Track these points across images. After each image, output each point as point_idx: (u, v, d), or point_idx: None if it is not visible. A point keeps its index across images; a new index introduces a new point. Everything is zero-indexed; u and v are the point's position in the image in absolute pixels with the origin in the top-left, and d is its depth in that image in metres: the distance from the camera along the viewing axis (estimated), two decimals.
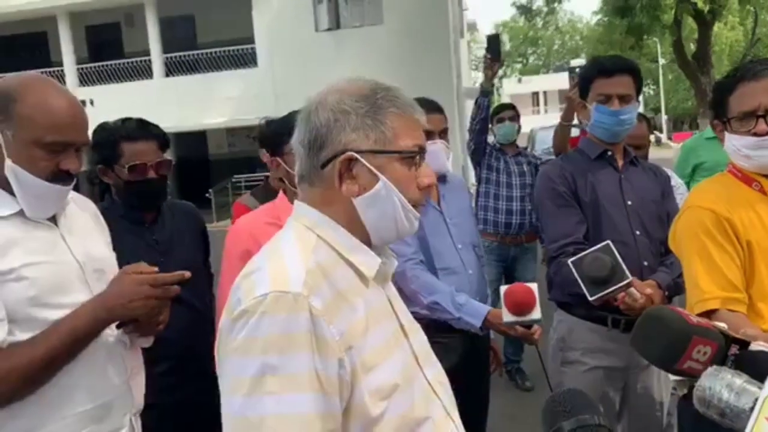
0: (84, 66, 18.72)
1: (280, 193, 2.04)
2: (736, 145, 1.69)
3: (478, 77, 30.37)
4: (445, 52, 15.81)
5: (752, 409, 0.83)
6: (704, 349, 0.93)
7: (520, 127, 4.48)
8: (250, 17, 17.06)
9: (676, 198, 2.37)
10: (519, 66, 56.58)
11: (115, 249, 1.70)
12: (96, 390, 1.46)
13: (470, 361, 2.22)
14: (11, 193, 1.40)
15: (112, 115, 2.16)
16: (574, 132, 3.88)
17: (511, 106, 4.63)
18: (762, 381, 0.85)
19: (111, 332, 1.50)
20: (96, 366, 1.46)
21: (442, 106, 2.36)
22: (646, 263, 2.12)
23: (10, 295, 1.33)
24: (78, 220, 1.56)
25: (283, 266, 1.01)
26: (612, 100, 2.13)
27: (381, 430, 1.01)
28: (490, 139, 4.46)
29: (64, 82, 17.70)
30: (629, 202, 2.18)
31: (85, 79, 18.57)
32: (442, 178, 2.32)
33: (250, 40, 17.28)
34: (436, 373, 1.17)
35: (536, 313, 1.97)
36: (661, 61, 35.18)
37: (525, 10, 31.55)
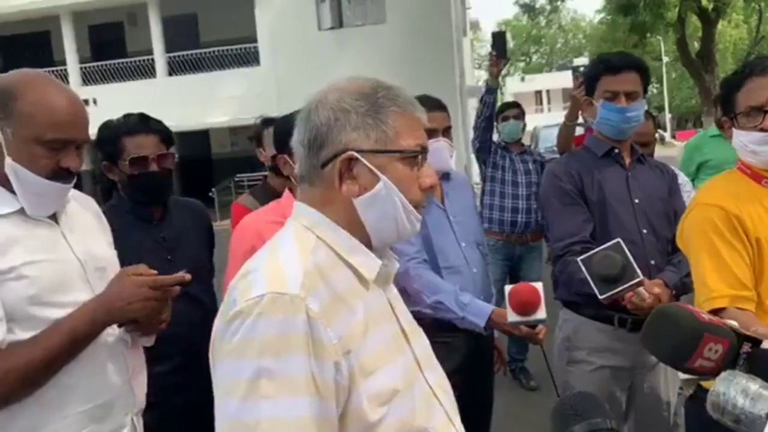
0: (87, 65, 18.76)
1: (286, 192, 2.03)
2: (744, 141, 1.68)
3: (481, 76, 30.39)
4: (447, 50, 15.81)
5: None
6: (716, 347, 0.91)
7: (525, 125, 4.47)
8: (252, 16, 17.07)
9: (683, 196, 2.35)
10: (522, 64, 56.52)
11: (122, 246, 1.70)
12: (97, 389, 1.45)
13: (474, 360, 2.21)
14: (11, 191, 1.39)
15: (115, 115, 2.17)
16: (578, 131, 3.86)
17: (516, 105, 4.62)
18: None
19: (112, 331, 1.49)
20: (97, 365, 1.45)
21: (443, 103, 2.34)
22: (653, 262, 2.10)
23: (10, 294, 1.32)
24: (79, 218, 1.55)
25: (280, 267, 1.00)
26: (619, 97, 2.11)
27: None
28: (495, 137, 4.44)
29: (68, 82, 17.65)
30: (636, 201, 2.16)
31: (88, 79, 18.61)
32: (445, 176, 2.30)
33: (253, 39, 17.29)
34: (437, 377, 1.14)
35: (541, 313, 1.95)
36: (665, 59, 35.09)
37: (528, 9, 31.48)
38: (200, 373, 1.97)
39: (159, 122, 2.13)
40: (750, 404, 0.83)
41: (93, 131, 1.58)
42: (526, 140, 4.68)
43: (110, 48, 18.88)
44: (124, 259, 1.84)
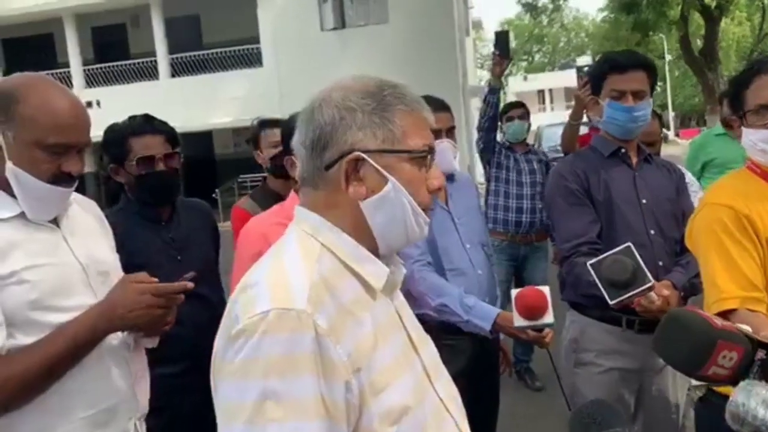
0: (90, 67, 18.81)
1: (291, 194, 2.02)
2: (753, 140, 1.66)
3: (484, 75, 30.34)
4: (450, 50, 15.79)
5: None
6: (730, 354, 0.89)
7: (530, 125, 4.45)
8: (255, 17, 17.08)
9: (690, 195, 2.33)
10: (524, 64, 56.45)
11: (132, 248, 1.69)
12: (100, 394, 1.44)
13: (480, 362, 2.19)
14: (12, 195, 1.37)
15: (118, 116, 2.17)
16: (583, 130, 3.84)
17: (520, 105, 4.60)
18: None
19: (115, 335, 1.48)
20: (101, 370, 1.44)
21: (447, 103, 2.33)
22: (661, 263, 2.08)
23: (10, 298, 1.31)
24: (81, 221, 1.53)
25: (285, 279, 0.94)
26: (626, 96, 2.08)
27: None
28: (499, 137, 4.42)
29: (71, 84, 17.78)
30: (644, 201, 2.13)
31: (91, 81, 18.66)
32: (449, 177, 2.29)
33: (256, 40, 17.31)
34: (447, 386, 1.10)
35: (549, 318, 1.92)
36: (668, 57, 35.00)
37: (530, 8, 31.41)
38: (207, 375, 1.98)
39: (164, 123, 2.14)
40: None
41: (96, 133, 1.56)
42: (529, 139, 4.66)
43: (113, 50, 18.92)
44: (134, 261, 1.84)
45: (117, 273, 1.58)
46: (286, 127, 2.10)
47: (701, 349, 0.90)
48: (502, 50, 3.85)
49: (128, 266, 1.70)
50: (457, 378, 1.18)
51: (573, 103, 3.79)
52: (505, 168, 4.23)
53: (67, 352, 1.35)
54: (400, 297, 1.14)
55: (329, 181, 1.00)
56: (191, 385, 1.95)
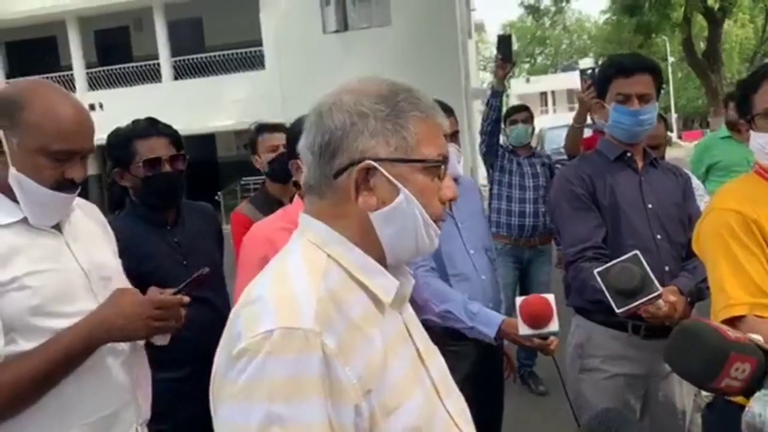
0: (93, 70, 18.86)
1: (296, 198, 2.01)
2: (762, 144, 1.65)
3: (486, 78, 30.34)
4: (453, 52, 15.80)
5: None
6: (743, 366, 0.87)
7: (533, 129, 4.43)
8: (257, 20, 17.11)
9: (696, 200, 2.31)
10: (527, 66, 56.42)
11: (138, 252, 1.67)
12: (102, 400, 1.43)
13: (484, 368, 2.17)
14: (14, 200, 1.37)
15: (121, 119, 2.17)
16: (587, 132, 3.83)
17: (524, 108, 4.57)
18: None
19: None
20: (102, 376, 1.43)
21: (450, 107, 2.31)
22: (667, 268, 2.06)
23: (12, 304, 1.30)
24: (83, 227, 1.53)
25: (291, 294, 0.88)
26: (631, 100, 2.06)
27: None
28: (503, 140, 4.40)
29: (74, 87, 17.83)
30: (650, 205, 2.11)
31: (94, 84, 18.70)
32: (453, 182, 2.26)
33: (258, 42, 17.33)
34: (456, 401, 1.05)
35: (554, 326, 1.90)
36: (671, 59, 34.98)
37: (532, 10, 31.40)
38: (210, 381, 1.97)
39: (168, 126, 2.14)
40: None
41: (100, 136, 1.56)
42: (532, 142, 4.64)
43: (116, 53, 18.97)
44: (142, 268, 1.83)
45: (119, 278, 1.57)
46: (292, 131, 2.09)
47: (714, 361, 0.89)
48: (505, 54, 3.84)
49: (136, 272, 1.70)
50: (461, 383, 1.16)
51: (576, 105, 3.78)
52: (507, 172, 4.21)
53: (59, 363, 1.33)
54: (409, 309, 1.09)
55: (337, 190, 0.95)
56: (194, 391, 1.93)
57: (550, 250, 4.38)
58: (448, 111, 2.26)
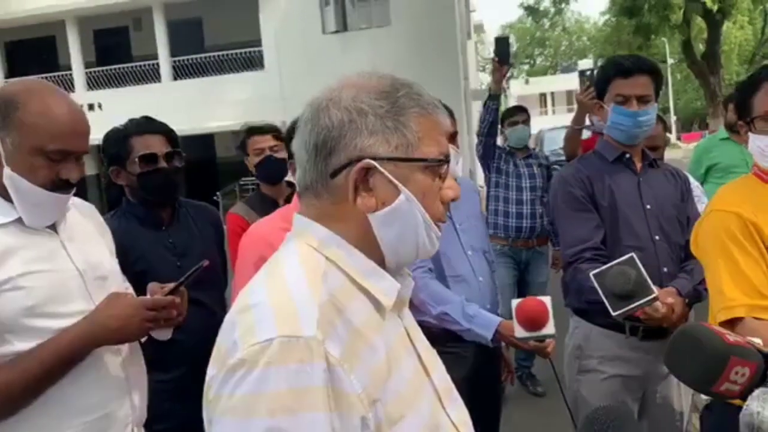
0: (92, 70, 18.83)
1: (294, 198, 2.00)
2: (761, 146, 1.65)
3: (486, 79, 30.33)
4: (452, 53, 15.79)
5: None
6: (742, 370, 0.86)
7: (530, 132, 4.43)
8: (257, 20, 17.10)
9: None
10: (526, 67, 56.47)
11: (132, 254, 1.66)
12: (98, 401, 1.42)
13: (482, 370, 2.16)
14: (9, 200, 1.36)
15: (120, 119, 2.17)
16: (585, 134, 3.83)
17: (522, 110, 4.57)
18: None
19: None
20: (98, 377, 1.43)
21: (450, 108, 2.31)
22: (665, 269, 2.06)
23: (6, 305, 1.30)
24: (79, 227, 1.52)
25: (290, 300, 0.83)
26: (630, 101, 2.06)
27: None
28: (501, 142, 4.40)
29: (73, 86, 17.82)
30: (648, 206, 2.11)
31: (93, 83, 18.68)
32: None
33: (258, 42, 17.32)
34: (459, 410, 1.01)
35: (550, 328, 1.89)
36: (670, 61, 35.00)
37: (532, 11, 31.46)
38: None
39: (163, 123, 2.13)
40: None
41: (98, 136, 1.55)
42: (530, 143, 4.65)
43: (115, 52, 18.94)
44: (134, 265, 1.82)
45: (115, 278, 1.57)
46: (290, 131, 2.09)
47: (714, 365, 0.88)
48: (502, 56, 3.82)
49: (129, 272, 1.69)
50: (459, 385, 1.15)
51: (575, 106, 3.77)
52: (504, 173, 4.21)
53: (52, 367, 1.33)
54: (409, 315, 1.05)
55: (334, 190, 0.90)
56: (191, 393, 1.93)
57: (548, 251, 4.38)
58: (448, 112, 2.26)
